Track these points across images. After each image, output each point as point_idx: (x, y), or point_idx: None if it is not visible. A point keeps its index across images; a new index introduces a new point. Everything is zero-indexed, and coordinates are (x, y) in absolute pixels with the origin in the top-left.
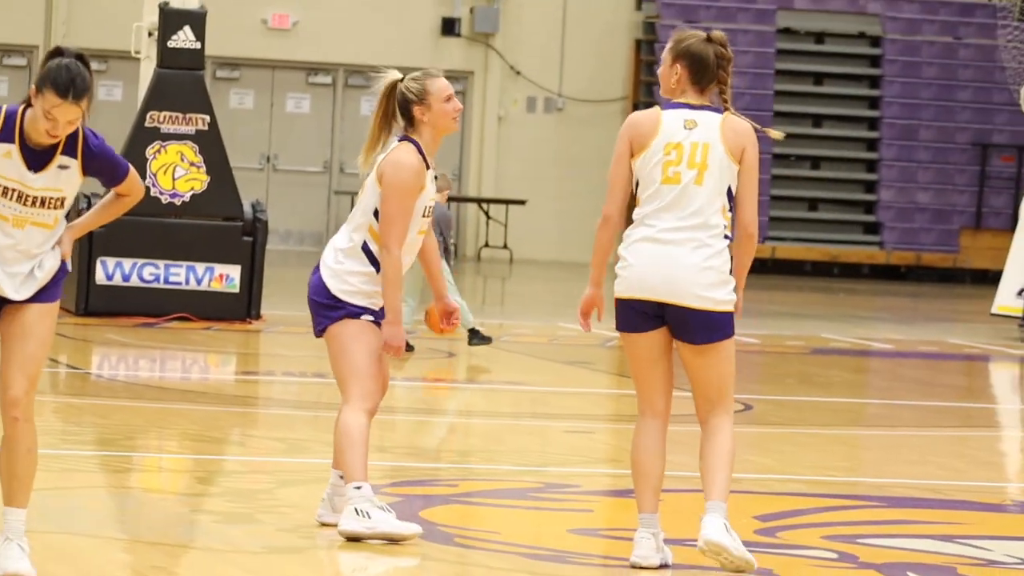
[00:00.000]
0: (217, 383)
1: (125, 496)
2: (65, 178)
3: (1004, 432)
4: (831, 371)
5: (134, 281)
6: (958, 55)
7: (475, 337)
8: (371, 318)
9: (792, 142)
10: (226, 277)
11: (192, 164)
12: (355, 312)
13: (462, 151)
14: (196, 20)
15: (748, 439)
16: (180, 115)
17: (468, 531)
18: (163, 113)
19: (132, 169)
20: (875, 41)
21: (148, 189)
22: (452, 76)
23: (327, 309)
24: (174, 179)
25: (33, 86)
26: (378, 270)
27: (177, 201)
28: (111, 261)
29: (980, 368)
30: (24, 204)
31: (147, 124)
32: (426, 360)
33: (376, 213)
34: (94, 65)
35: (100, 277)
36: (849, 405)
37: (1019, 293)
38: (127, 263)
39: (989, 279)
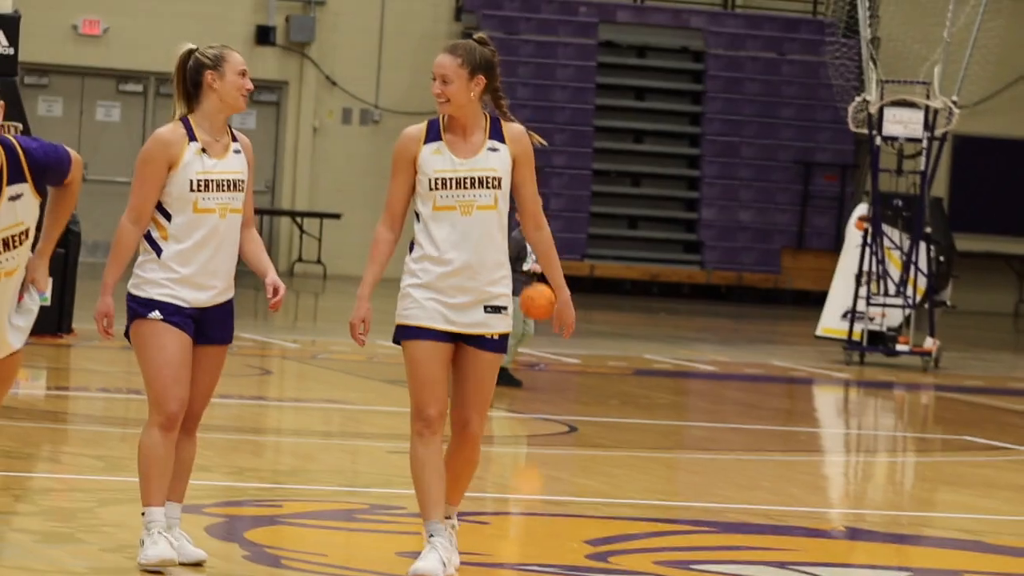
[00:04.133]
0: (28, 398)
1: None
2: (22, 208)
3: (831, 457)
4: (655, 392)
5: None
6: (781, 71)
7: (503, 378)
8: (158, 315)
9: (612, 158)
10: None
11: None
12: (139, 311)
13: (276, 163)
14: (10, 25)
15: (574, 461)
16: None
17: (296, 553)
18: None
19: (71, 152)
20: (698, 56)
21: None
22: (266, 86)
23: (126, 311)
24: None
25: None
26: (159, 255)
27: None
28: None
29: (805, 391)
30: None
31: None
32: (242, 377)
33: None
34: None
35: None
36: (675, 428)
37: (844, 315)
38: None
39: (811, 300)
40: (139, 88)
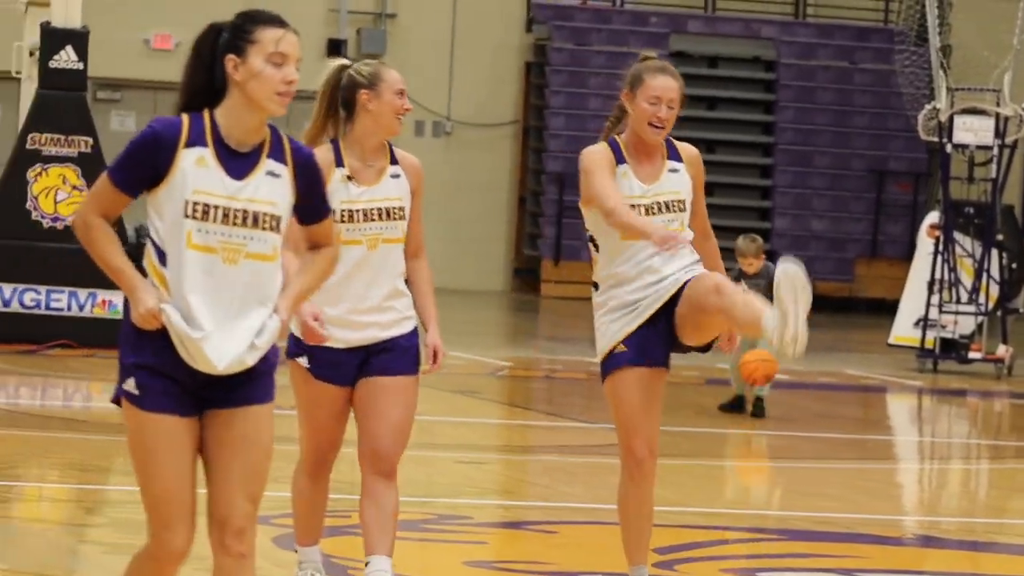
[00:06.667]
0: (100, 411)
1: (6, 526)
2: (278, 189)
3: (902, 464)
4: None
5: (15, 307)
6: (854, 80)
7: (757, 408)
8: (306, 362)
9: None
10: (109, 303)
11: (74, 187)
12: (294, 349)
13: None
14: (79, 40)
15: None
16: (62, 137)
17: (362, 563)
18: (45, 135)
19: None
20: (769, 65)
21: (29, 213)
22: None
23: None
24: (56, 203)
25: (229, 60)
26: None
27: (59, 225)
28: None
29: (878, 399)
30: (234, 224)
31: (28, 146)
32: None
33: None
34: None
35: None
36: (747, 436)
37: (916, 323)
38: (7, 288)
39: (885, 309)
40: None
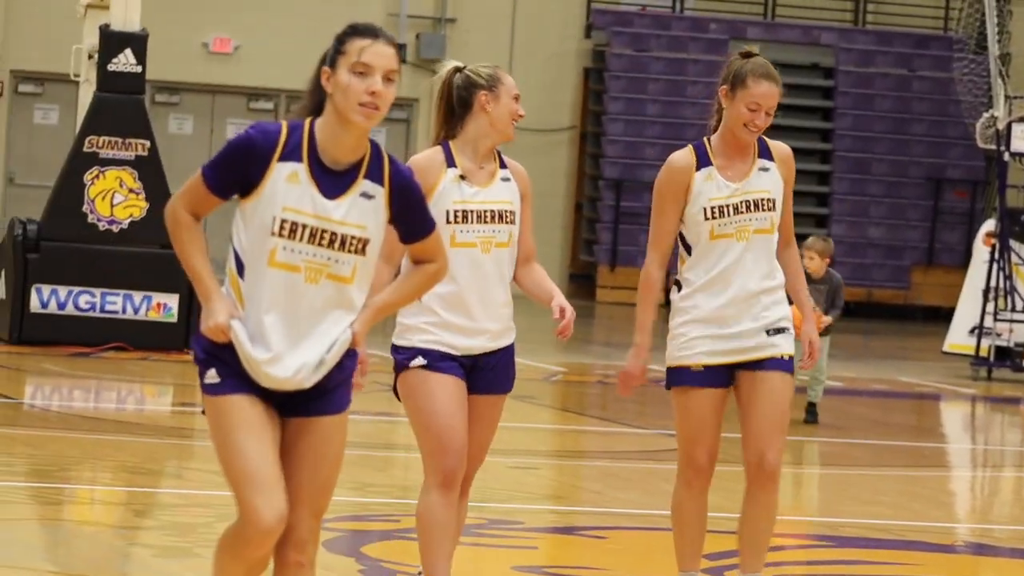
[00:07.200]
0: (153, 414)
1: (58, 529)
2: (370, 212)
3: (956, 472)
4: None
5: (69, 309)
6: (912, 88)
7: (810, 414)
8: (421, 360)
9: None
10: (164, 306)
11: (131, 190)
12: (403, 361)
13: None
14: (137, 43)
15: None
16: (120, 140)
17: (411, 567)
18: (102, 138)
19: (437, 228)
20: (828, 73)
21: (85, 215)
22: (397, 103)
23: (393, 364)
24: (112, 205)
25: (323, 72)
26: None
27: (115, 228)
28: (46, 288)
29: (932, 407)
30: (320, 244)
31: (85, 149)
32: (369, 394)
33: None
34: (29, 87)
35: (35, 304)
36: (800, 443)
37: (971, 331)
38: (62, 291)
39: (941, 316)
40: (269, 106)
